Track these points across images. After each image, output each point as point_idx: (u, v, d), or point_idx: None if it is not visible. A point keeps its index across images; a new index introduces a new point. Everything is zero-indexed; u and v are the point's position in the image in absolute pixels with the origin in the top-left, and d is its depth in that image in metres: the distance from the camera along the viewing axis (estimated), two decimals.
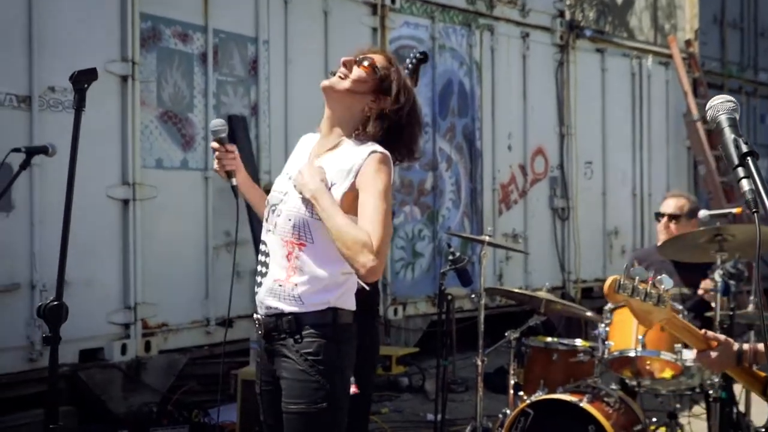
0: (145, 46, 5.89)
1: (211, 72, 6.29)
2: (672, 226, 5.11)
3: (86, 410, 5.58)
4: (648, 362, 4.33)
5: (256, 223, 6.32)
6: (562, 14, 9.50)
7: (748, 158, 1.42)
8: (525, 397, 4.60)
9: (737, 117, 1.55)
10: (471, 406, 5.08)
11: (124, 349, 5.70)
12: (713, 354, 2.72)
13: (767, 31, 12.90)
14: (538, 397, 4.30)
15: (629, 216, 10.39)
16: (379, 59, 2.75)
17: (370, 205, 2.53)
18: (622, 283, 2.54)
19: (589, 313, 4.91)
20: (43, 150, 3.30)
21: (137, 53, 5.78)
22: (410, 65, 4.04)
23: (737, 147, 1.45)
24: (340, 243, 2.50)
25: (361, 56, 2.75)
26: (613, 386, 4.44)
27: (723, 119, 1.53)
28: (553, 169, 9.47)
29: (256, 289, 2.73)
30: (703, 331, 2.80)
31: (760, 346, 2.84)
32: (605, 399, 4.27)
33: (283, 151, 6.73)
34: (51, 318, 2.17)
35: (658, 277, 2.59)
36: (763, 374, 3.11)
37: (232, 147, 2.98)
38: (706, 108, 1.59)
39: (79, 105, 2.36)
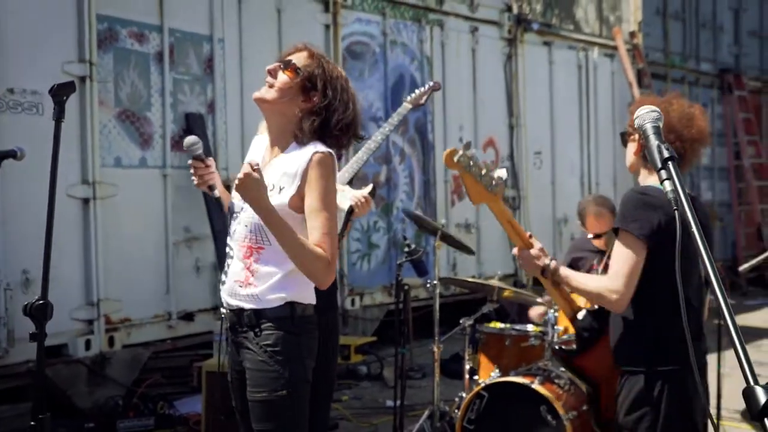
0: (102, 47, 5.98)
1: (167, 71, 6.40)
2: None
3: (52, 406, 5.66)
4: None
5: (215, 218, 6.47)
6: (509, 8, 9.74)
7: (669, 162, 1.63)
8: (480, 381, 4.82)
9: (660, 125, 1.76)
10: (428, 391, 5.28)
11: (88, 345, 5.81)
12: (527, 254, 3.28)
13: (708, 22, 13.29)
14: (492, 380, 4.51)
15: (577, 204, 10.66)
16: (301, 58, 2.81)
17: (317, 214, 2.67)
18: (461, 155, 3.07)
19: (538, 300, 5.14)
20: (12, 154, 3.40)
21: (94, 54, 5.87)
22: (424, 94, 4.38)
23: (660, 152, 1.65)
24: (297, 262, 2.66)
25: (284, 60, 2.81)
26: (562, 369, 4.66)
27: (648, 127, 1.74)
28: (504, 160, 9.71)
29: (220, 286, 2.89)
30: (528, 233, 3.36)
31: (567, 271, 3.29)
32: (555, 381, 4.49)
33: (240, 147, 6.87)
34: (38, 316, 2.31)
35: (497, 168, 3.16)
36: (577, 304, 3.42)
37: (210, 161, 3.12)
38: (634, 117, 1.79)
39: (59, 116, 2.50)
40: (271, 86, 2.80)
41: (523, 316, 8.75)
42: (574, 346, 3.69)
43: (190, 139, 3.11)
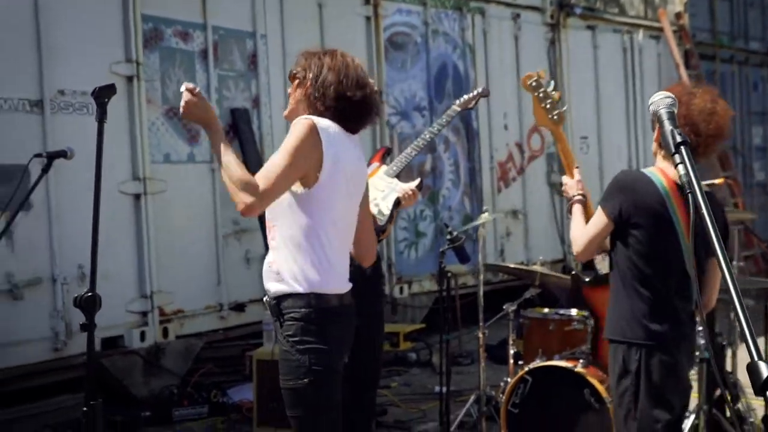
0: (148, 47, 6.14)
1: (212, 68, 6.54)
2: None
3: (109, 395, 5.86)
4: None
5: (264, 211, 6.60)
6: None
7: (682, 147, 1.67)
8: (524, 366, 4.87)
9: (675, 111, 1.80)
10: (476, 377, 5.34)
11: (143, 336, 5.99)
12: (566, 181, 3.59)
13: (756, 0, 13.07)
14: (536, 365, 4.56)
15: None
16: (298, 63, 2.97)
17: (272, 158, 2.76)
18: (536, 80, 3.62)
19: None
20: (62, 154, 3.56)
21: (141, 54, 6.03)
22: (473, 99, 4.49)
23: (673, 137, 1.70)
24: (227, 176, 2.72)
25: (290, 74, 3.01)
26: None
27: (663, 113, 1.78)
28: (550, 146, 9.70)
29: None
30: (576, 165, 3.64)
31: (574, 210, 3.51)
32: (599, 363, 4.53)
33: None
34: (87, 307, 2.43)
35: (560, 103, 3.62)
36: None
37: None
38: (649, 103, 1.83)
39: (101, 117, 2.62)
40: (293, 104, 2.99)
41: (576, 300, 8.79)
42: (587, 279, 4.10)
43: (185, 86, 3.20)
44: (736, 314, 1.39)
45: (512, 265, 5.74)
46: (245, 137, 6.71)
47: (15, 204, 5.40)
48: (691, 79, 11.06)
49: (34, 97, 5.51)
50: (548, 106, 3.62)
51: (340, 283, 2.87)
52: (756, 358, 1.34)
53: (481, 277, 5.09)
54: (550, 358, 4.70)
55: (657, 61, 11.08)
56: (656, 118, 1.79)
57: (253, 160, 6.72)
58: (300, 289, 2.77)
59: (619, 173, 3.40)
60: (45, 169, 3.51)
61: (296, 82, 2.95)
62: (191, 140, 6.43)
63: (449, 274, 4.91)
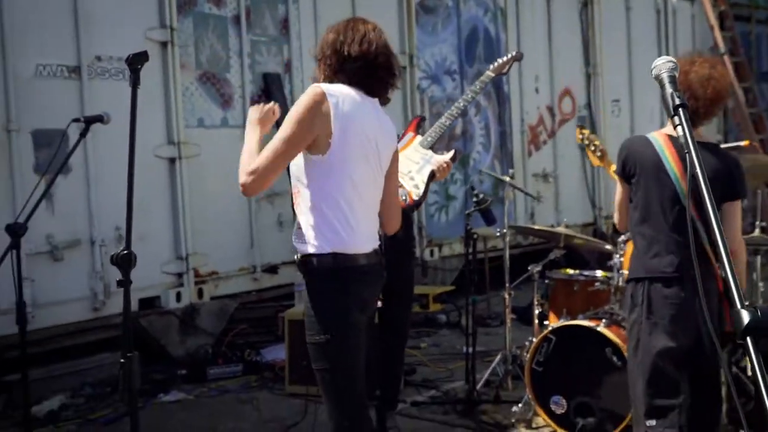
0: (182, 12, 6.25)
1: (244, 33, 6.64)
2: None
3: (148, 355, 6.06)
4: None
5: None
6: None
7: (680, 109, 1.75)
8: (548, 325, 4.97)
9: (676, 75, 1.87)
10: (503, 337, 5.45)
11: (179, 297, 6.16)
12: None
13: None
14: (559, 324, 4.65)
15: None
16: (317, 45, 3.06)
17: (276, 134, 2.89)
18: (585, 136, 4.31)
19: (607, 246, 5.24)
20: (99, 119, 3.68)
21: (174, 19, 6.14)
22: (507, 63, 4.56)
23: (673, 100, 1.77)
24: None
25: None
26: None
27: (665, 76, 1.86)
28: (581, 109, 9.72)
29: None
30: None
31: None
32: (622, 324, 4.61)
33: None
34: (123, 264, 2.56)
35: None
36: None
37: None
38: (652, 67, 1.90)
39: (135, 83, 2.73)
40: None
41: (602, 264, 8.87)
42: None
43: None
44: (721, 263, 1.47)
45: (537, 227, 5.81)
46: (278, 101, 6.75)
47: (54, 168, 5.60)
48: (726, 41, 10.98)
49: (72, 63, 5.65)
50: (594, 149, 4.25)
51: (363, 243, 2.95)
52: (739, 305, 1.42)
53: (507, 239, 5.18)
54: (574, 318, 4.80)
55: (691, 23, 11.00)
56: (658, 82, 1.87)
57: None
58: (323, 250, 2.87)
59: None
60: (83, 134, 3.64)
61: (318, 61, 3.02)
62: (224, 105, 6.55)
63: (476, 236, 5.00)
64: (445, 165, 4.10)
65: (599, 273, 5.06)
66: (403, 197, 4.02)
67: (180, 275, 6.22)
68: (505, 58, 4.69)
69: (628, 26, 10.16)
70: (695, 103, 3.40)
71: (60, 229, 5.58)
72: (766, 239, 5.06)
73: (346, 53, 2.92)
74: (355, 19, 3.05)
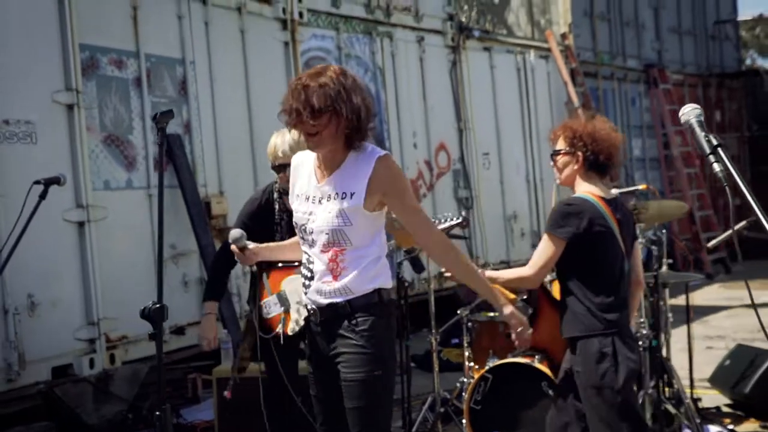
0: (86, 75, 6.19)
1: (146, 95, 6.64)
2: None
3: (62, 424, 5.86)
4: None
5: (201, 234, 6.74)
6: (452, 17, 10.19)
7: (719, 148, 2.02)
8: (477, 367, 5.21)
9: (702, 119, 2.15)
10: (423, 381, 5.64)
11: (92, 363, 6.00)
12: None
13: (631, 20, 14.00)
14: (495, 363, 4.89)
15: (525, 201, 11.20)
16: (320, 95, 2.99)
17: (416, 212, 3.20)
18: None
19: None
20: (56, 181, 3.67)
21: (80, 82, 6.08)
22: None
23: (708, 141, 2.04)
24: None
25: (310, 107, 2.99)
26: None
27: (694, 122, 2.13)
28: (455, 162, 10.15)
29: (304, 290, 3.23)
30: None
31: (492, 273, 4.04)
32: (549, 358, 4.90)
33: (215, 164, 7.16)
34: (155, 318, 2.59)
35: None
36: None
37: (253, 248, 3.54)
38: (680, 114, 2.18)
39: (162, 140, 2.79)
40: (313, 135, 3.05)
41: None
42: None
43: (234, 232, 3.57)
44: None
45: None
46: (180, 162, 6.83)
47: None
48: (579, 95, 11.78)
49: None
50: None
51: (390, 278, 3.23)
52: None
53: (432, 285, 5.40)
54: (503, 358, 5.05)
55: (547, 80, 11.74)
56: (688, 127, 2.13)
57: (188, 185, 6.85)
58: (370, 289, 3.11)
59: (561, 203, 3.89)
60: (42, 196, 3.61)
61: (326, 117, 3.02)
62: (128, 167, 6.50)
63: (407, 284, 5.20)
64: None
65: None
66: (279, 327, 4.15)
67: (92, 341, 6.06)
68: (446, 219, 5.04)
69: (493, 83, 10.74)
70: (611, 156, 3.83)
71: None
72: (673, 274, 5.54)
73: (367, 113, 3.12)
74: (346, 72, 3.16)
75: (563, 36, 12.17)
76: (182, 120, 6.98)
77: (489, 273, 3.98)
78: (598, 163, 3.82)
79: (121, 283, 6.33)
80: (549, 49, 11.75)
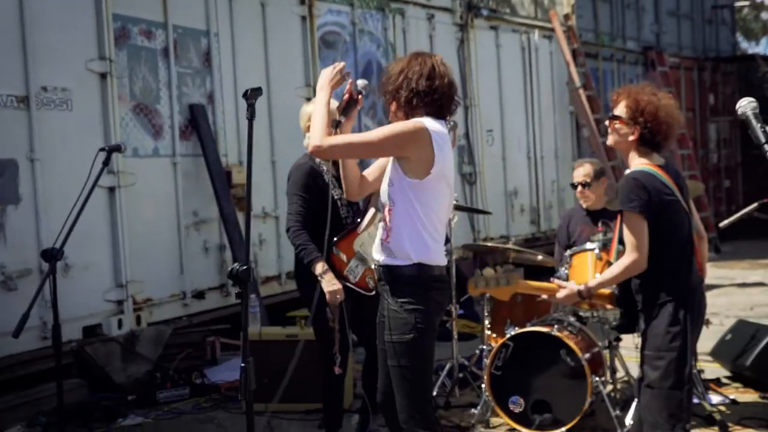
0: (118, 45, 6.37)
1: (173, 65, 6.82)
2: (586, 191, 5.91)
3: (92, 382, 6.09)
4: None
5: (223, 202, 6.96)
6: None
7: None
8: (494, 336, 5.49)
9: (758, 111, 2.39)
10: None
11: (120, 324, 6.23)
12: (558, 296, 4.15)
13: (632, 3, 14.21)
14: (517, 331, 5.16)
15: (525, 178, 11.45)
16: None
17: (371, 130, 3.42)
18: (477, 281, 4.65)
19: (539, 257, 5.82)
20: (118, 148, 3.87)
21: (113, 51, 6.25)
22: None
23: (764, 132, 2.28)
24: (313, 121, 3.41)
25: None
26: (572, 318, 5.35)
27: (750, 114, 2.37)
28: (460, 138, 10.36)
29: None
30: (552, 279, 4.34)
31: (596, 280, 4.11)
32: (569, 328, 5.18)
33: (236, 135, 7.36)
34: (243, 278, 2.81)
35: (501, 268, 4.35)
36: (606, 292, 4.20)
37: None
38: (737, 107, 2.41)
39: (251, 116, 2.99)
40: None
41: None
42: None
43: (361, 81, 3.67)
44: None
45: (490, 245, 6.34)
46: (203, 132, 7.02)
47: (7, 197, 5.61)
48: (580, 76, 12.01)
49: (21, 93, 5.67)
50: (501, 282, 4.61)
51: (440, 257, 3.41)
52: None
53: (453, 256, 5.65)
54: (521, 327, 5.31)
55: (550, 59, 11.95)
56: (744, 119, 2.37)
57: (211, 154, 7.05)
58: (411, 261, 3.31)
59: (628, 177, 3.85)
60: (105, 162, 3.81)
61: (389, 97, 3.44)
62: (155, 135, 6.69)
63: None
64: None
65: None
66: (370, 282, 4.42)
67: (120, 302, 6.29)
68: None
69: (499, 62, 10.95)
70: (668, 137, 3.85)
71: (12, 259, 5.58)
72: None
73: (413, 88, 3.32)
74: (417, 55, 3.43)
75: (566, 17, 12.35)
76: (206, 91, 7.16)
77: (595, 281, 4.06)
78: (654, 141, 3.84)
79: (146, 248, 6.55)
80: (552, 29, 11.94)
